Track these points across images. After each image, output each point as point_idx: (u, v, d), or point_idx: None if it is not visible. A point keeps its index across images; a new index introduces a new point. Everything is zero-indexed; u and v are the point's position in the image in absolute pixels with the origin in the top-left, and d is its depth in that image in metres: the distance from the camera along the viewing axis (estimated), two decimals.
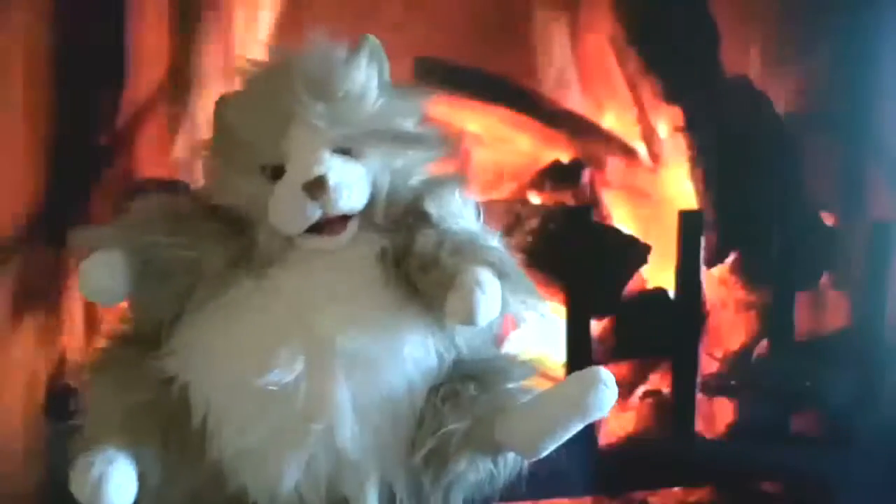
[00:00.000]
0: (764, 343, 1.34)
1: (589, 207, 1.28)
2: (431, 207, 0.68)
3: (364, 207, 0.68)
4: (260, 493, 0.67)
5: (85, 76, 1.10)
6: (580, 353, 1.20)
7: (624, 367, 1.28)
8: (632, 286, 1.29)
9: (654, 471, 1.23)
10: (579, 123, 1.31)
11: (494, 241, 0.68)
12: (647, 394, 1.30)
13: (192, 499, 0.68)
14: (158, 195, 0.72)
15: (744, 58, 1.31)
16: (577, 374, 0.65)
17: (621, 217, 1.32)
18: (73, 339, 1.11)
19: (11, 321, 1.08)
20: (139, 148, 1.16)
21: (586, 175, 1.30)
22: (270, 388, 0.63)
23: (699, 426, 1.29)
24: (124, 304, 0.71)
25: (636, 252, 1.28)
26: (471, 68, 1.24)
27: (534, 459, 0.66)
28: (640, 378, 1.30)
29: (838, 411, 1.31)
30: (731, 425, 1.31)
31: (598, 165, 1.32)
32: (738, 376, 1.33)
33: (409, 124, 0.70)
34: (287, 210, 0.66)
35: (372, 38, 0.70)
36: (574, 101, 1.31)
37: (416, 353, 0.67)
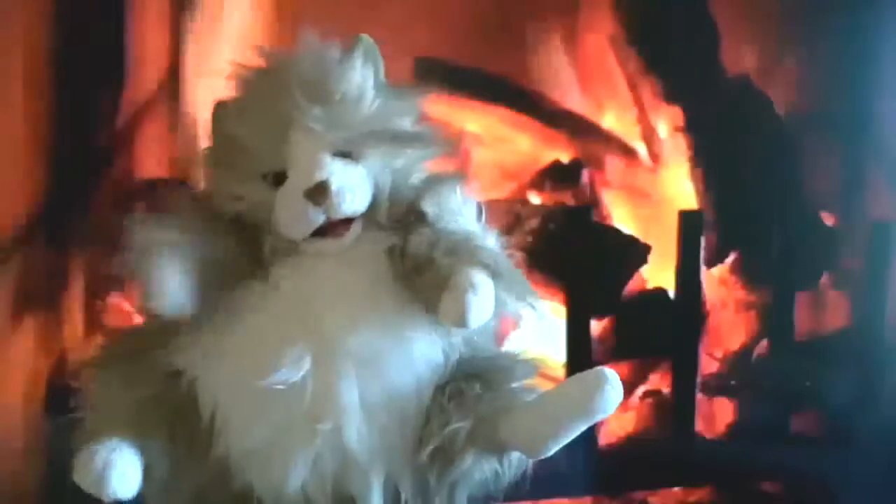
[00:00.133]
0: (764, 343, 1.34)
1: (589, 207, 1.28)
2: (428, 206, 0.67)
3: (367, 208, 0.68)
4: (266, 492, 0.67)
5: (85, 76, 1.10)
6: (580, 353, 1.20)
7: (624, 367, 1.28)
8: (632, 286, 1.29)
9: (654, 471, 1.23)
10: (579, 123, 1.31)
11: (491, 240, 0.68)
12: (647, 394, 1.30)
13: (198, 494, 0.69)
14: (180, 193, 0.72)
15: (744, 58, 1.31)
16: (581, 374, 0.66)
17: (621, 217, 1.32)
18: (73, 338, 1.11)
19: (11, 321, 1.08)
20: (139, 148, 1.16)
21: (586, 175, 1.30)
22: (278, 387, 0.63)
23: (699, 426, 1.29)
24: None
25: (636, 252, 1.28)
26: (471, 68, 1.24)
27: (538, 459, 0.66)
28: (640, 378, 1.30)
29: (838, 411, 1.31)
30: (731, 425, 1.31)
31: (598, 165, 1.32)
32: (738, 376, 1.33)
33: (406, 123, 0.70)
34: (290, 217, 0.66)
35: (366, 37, 0.70)
36: (574, 101, 1.31)
37: (423, 352, 0.67)
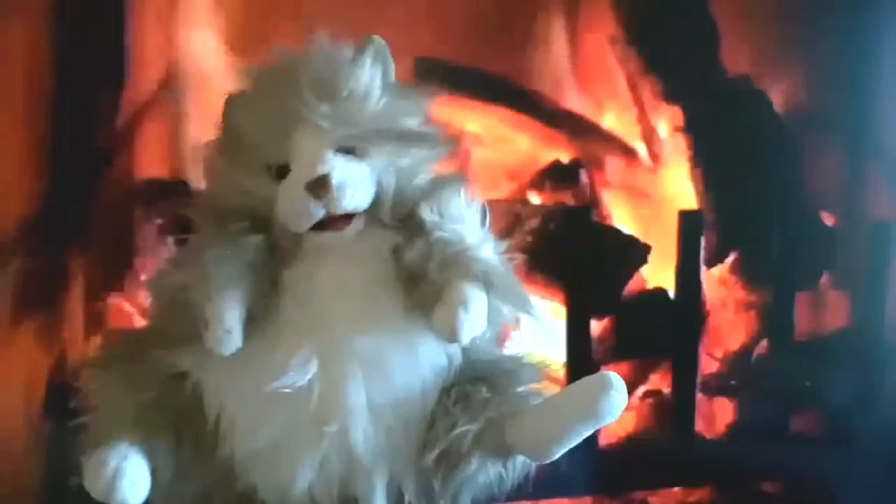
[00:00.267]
0: (764, 343, 1.34)
1: (589, 207, 1.28)
2: (426, 213, 0.67)
3: (370, 206, 0.68)
4: (271, 494, 0.67)
5: (85, 76, 1.10)
6: (580, 353, 1.20)
7: (624, 367, 1.28)
8: (632, 286, 1.29)
9: (654, 471, 1.23)
10: (579, 123, 1.31)
11: (488, 248, 0.68)
12: (647, 394, 1.30)
13: (203, 496, 0.69)
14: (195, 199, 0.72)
15: (744, 58, 1.31)
16: (587, 378, 0.66)
17: (621, 217, 1.32)
18: (73, 338, 1.11)
19: (11, 321, 1.08)
20: (139, 148, 1.16)
21: (586, 175, 1.30)
22: (284, 390, 0.63)
23: (699, 426, 1.29)
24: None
25: (636, 252, 1.28)
26: (471, 68, 1.24)
27: (543, 463, 0.67)
28: (640, 378, 1.30)
29: (838, 411, 1.31)
30: (731, 425, 1.31)
31: (598, 165, 1.32)
32: (738, 376, 1.33)
33: (413, 123, 0.70)
34: (291, 209, 0.66)
35: (377, 38, 0.71)
36: (574, 101, 1.31)
37: (429, 354, 0.67)
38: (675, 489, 1.22)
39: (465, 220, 0.68)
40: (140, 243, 1.13)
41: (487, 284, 0.65)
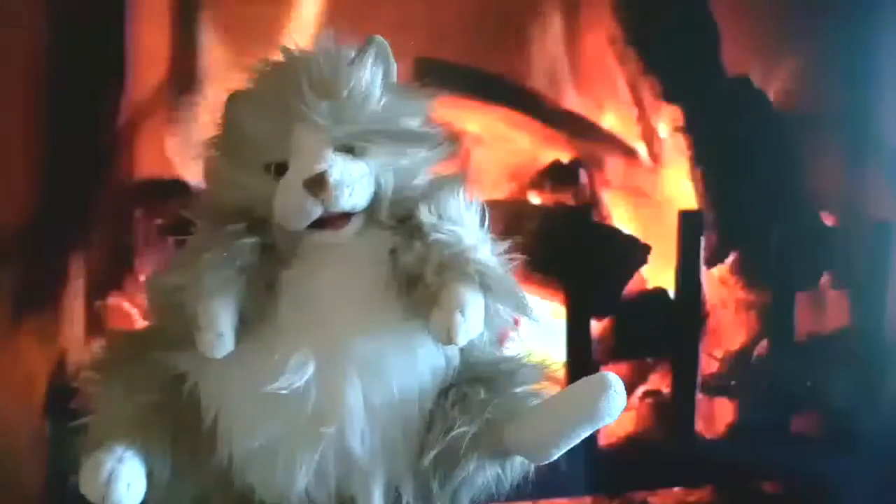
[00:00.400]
0: (764, 343, 1.34)
1: (589, 207, 1.28)
2: (425, 214, 0.67)
3: (369, 206, 0.68)
4: (269, 495, 0.67)
5: (85, 76, 1.10)
6: (580, 353, 1.20)
7: (624, 367, 1.28)
8: (632, 286, 1.29)
9: (654, 471, 1.23)
10: (579, 123, 1.31)
11: (486, 249, 0.67)
12: (647, 394, 1.30)
13: (202, 497, 0.69)
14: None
15: (744, 58, 1.31)
16: (585, 379, 0.65)
17: (621, 217, 1.32)
18: (73, 339, 1.11)
19: (12, 321, 1.08)
20: (139, 148, 1.16)
21: (586, 175, 1.30)
22: (281, 392, 0.63)
23: (699, 426, 1.29)
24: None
25: (636, 252, 1.28)
26: (471, 68, 1.24)
27: (542, 464, 0.67)
28: (640, 378, 1.30)
29: (838, 412, 1.31)
30: (731, 425, 1.31)
31: (598, 165, 1.32)
32: (738, 376, 1.33)
33: (413, 124, 0.70)
34: (289, 206, 0.66)
35: (379, 38, 0.70)
36: (574, 101, 1.31)
37: (427, 355, 0.67)
38: (675, 489, 1.22)
39: (463, 222, 0.68)
40: (140, 243, 1.13)
41: (485, 286, 0.65)
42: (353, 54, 0.69)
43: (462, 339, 0.63)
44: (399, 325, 0.66)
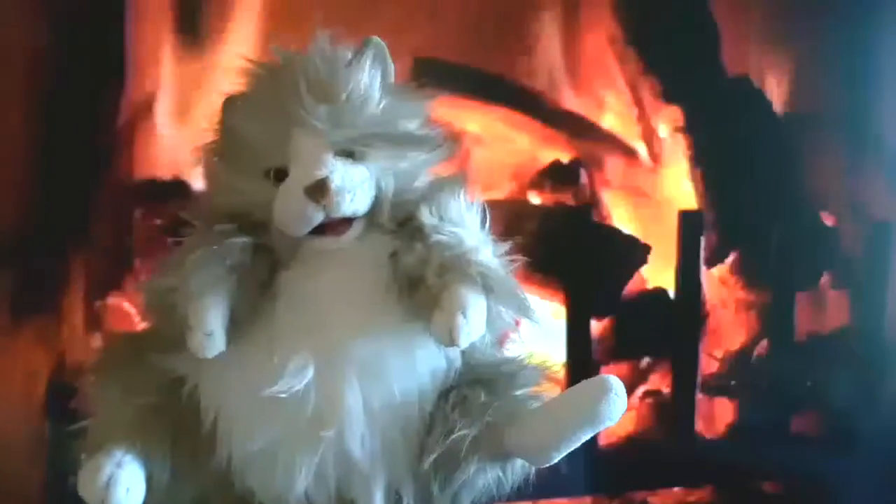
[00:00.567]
0: (764, 343, 1.34)
1: (589, 207, 1.28)
2: (425, 216, 0.67)
3: (370, 210, 0.67)
4: (268, 498, 0.67)
5: (85, 76, 1.10)
6: (580, 354, 1.20)
7: (624, 367, 1.28)
8: (632, 286, 1.29)
9: (654, 471, 1.23)
10: (579, 123, 1.31)
11: (488, 251, 0.67)
12: (647, 394, 1.30)
13: (202, 499, 0.69)
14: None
15: (744, 58, 1.31)
16: (586, 382, 0.65)
17: (621, 217, 1.32)
18: (73, 339, 1.11)
19: (12, 321, 1.08)
20: (139, 148, 1.16)
21: (586, 175, 1.30)
22: (280, 395, 0.63)
23: (699, 426, 1.29)
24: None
25: (636, 252, 1.28)
26: (471, 68, 1.24)
27: (542, 467, 0.67)
28: (640, 378, 1.30)
29: (838, 412, 1.31)
30: (731, 425, 1.31)
31: (598, 165, 1.32)
32: (738, 376, 1.33)
33: (412, 126, 0.70)
34: (289, 213, 0.66)
35: (376, 39, 0.70)
36: (574, 101, 1.31)
37: (426, 358, 0.67)
38: (675, 489, 1.22)
39: (464, 223, 0.68)
40: (140, 243, 1.13)
41: (486, 288, 0.64)
42: (350, 56, 0.69)
43: (464, 341, 0.63)
44: (398, 328, 0.66)
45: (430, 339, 0.65)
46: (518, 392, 0.67)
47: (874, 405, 1.31)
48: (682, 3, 1.31)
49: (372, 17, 1.09)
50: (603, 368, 1.24)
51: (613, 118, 1.33)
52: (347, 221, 0.67)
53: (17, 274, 1.09)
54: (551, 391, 0.69)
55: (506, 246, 0.69)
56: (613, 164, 1.33)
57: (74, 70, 1.09)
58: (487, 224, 0.69)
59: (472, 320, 0.63)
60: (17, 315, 1.09)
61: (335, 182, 0.65)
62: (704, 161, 1.32)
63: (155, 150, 1.16)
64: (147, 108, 1.16)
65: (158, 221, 1.13)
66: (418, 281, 0.65)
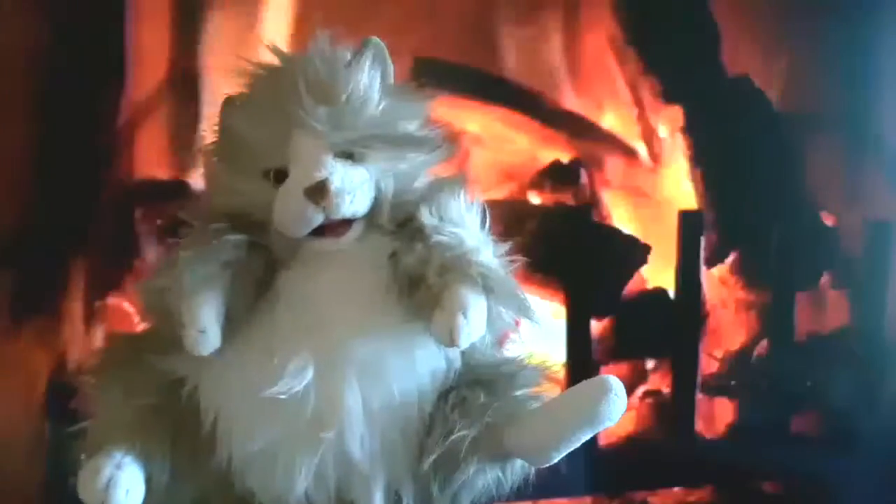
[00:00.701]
0: (764, 343, 1.34)
1: (589, 207, 1.28)
2: (426, 217, 0.67)
3: (370, 211, 0.67)
4: (268, 499, 0.67)
5: (85, 76, 1.10)
6: (580, 354, 1.20)
7: (624, 367, 1.28)
8: (632, 286, 1.29)
9: (654, 471, 1.23)
10: (579, 123, 1.31)
11: (488, 251, 0.67)
12: (647, 394, 1.30)
13: (201, 500, 0.69)
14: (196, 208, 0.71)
15: (744, 58, 1.31)
16: (586, 382, 0.65)
17: (621, 217, 1.32)
18: (73, 339, 1.12)
19: (12, 322, 1.08)
20: (139, 148, 1.16)
21: (586, 175, 1.30)
22: (280, 396, 0.63)
23: (699, 426, 1.29)
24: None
25: (636, 252, 1.28)
26: (470, 68, 1.24)
27: (542, 467, 0.67)
28: (640, 378, 1.30)
29: (838, 412, 1.31)
30: (731, 425, 1.31)
31: (598, 165, 1.32)
32: (738, 376, 1.33)
33: (412, 127, 0.70)
34: (289, 214, 0.66)
35: (375, 40, 0.70)
36: (573, 101, 1.31)
37: (426, 359, 0.67)
38: (675, 489, 1.22)
39: (464, 223, 0.68)
40: (140, 243, 1.13)
41: (487, 289, 0.64)
42: (349, 57, 0.68)
43: (464, 341, 0.63)
44: (398, 329, 0.66)
45: (429, 340, 0.65)
46: (518, 392, 0.67)
47: (874, 405, 1.31)
48: (682, 3, 1.31)
49: (372, 17, 1.09)
50: (603, 368, 1.24)
51: (613, 118, 1.33)
52: (347, 223, 0.67)
53: (16, 274, 1.09)
54: (551, 391, 0.69)
55: (506, 246, 0.69)
56: (613, 164, 1.33)
57: (74, 70, 1.09)
58: (487, 224, 0.69)
59: (473, 321, 0.63)
60: (17, 315, 1.09)
61: (335, 183, 0.65)
62: (704, 161, 1.32)
63: (155, 150, 1.16)
64: (147, 108, 1.16)
65: (158, 221, 1.13)
66: (418, 281, 0.65)
